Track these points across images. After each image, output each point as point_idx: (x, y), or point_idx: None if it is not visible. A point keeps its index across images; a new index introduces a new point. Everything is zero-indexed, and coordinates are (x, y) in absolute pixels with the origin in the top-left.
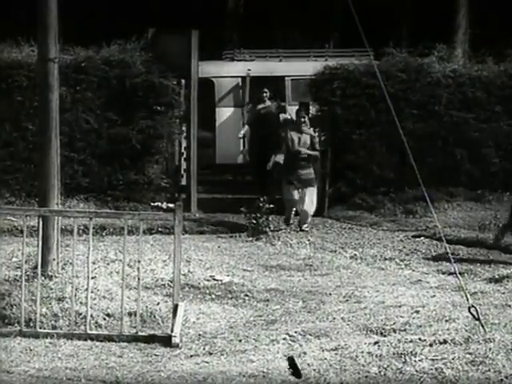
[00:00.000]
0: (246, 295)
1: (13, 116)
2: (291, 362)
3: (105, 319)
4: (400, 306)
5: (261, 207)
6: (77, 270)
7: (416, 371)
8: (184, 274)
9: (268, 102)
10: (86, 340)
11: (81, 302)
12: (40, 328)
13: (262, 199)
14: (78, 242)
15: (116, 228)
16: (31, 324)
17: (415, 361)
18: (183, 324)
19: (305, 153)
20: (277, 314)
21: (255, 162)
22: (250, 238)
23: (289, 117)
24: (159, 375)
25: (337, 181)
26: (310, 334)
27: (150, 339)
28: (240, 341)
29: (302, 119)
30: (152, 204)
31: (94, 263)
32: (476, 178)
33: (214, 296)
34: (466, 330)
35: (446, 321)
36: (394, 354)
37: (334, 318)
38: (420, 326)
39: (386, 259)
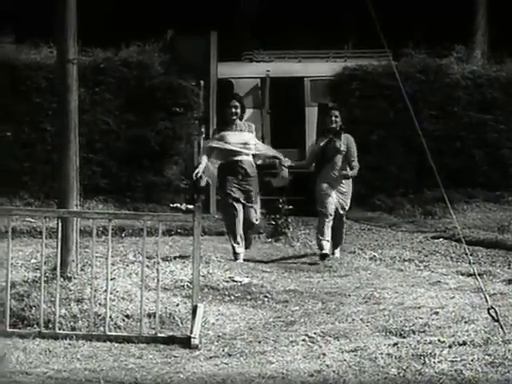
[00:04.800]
0: (265, 296)
1: (31, 117)
2: None
3: (124, 320)
4: (419, 308)
5: (280, 208)
6: (96, 272)
7: (435, 373)
8: (203, 276)
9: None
10: (104, 341)
11: (100, 304)
12: (59, 329)
13: (281, 200)
14: (96, 243)
15: (135, 229)
16: (50, 325)
17: (434, 362)
18: (202, 325)
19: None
20: (296, 316)
21: None
22: (269, 239)
23: None
24: (178, 376)
25: (355, 182)
26: (329, 336)
27: (169, 340)
28: (259, 342)
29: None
30: (171, 205)
31: (113, 264)
32: (495, 179)
33: (233, 297)
34: (486, 332)
35: (466, 322)
36: (413, 355)
37: (353, 320)
38: (439, 328)
39: (405, 260)
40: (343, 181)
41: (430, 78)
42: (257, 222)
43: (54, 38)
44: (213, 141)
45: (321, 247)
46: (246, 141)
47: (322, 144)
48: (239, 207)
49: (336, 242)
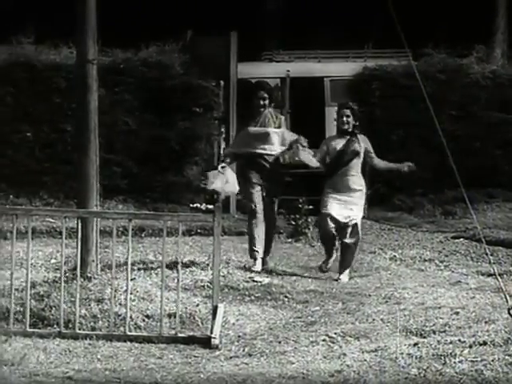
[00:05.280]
0: (286, 296)
1: (51, 118)
2: None
3: (144, 320)
4: (439, 308)
5: (300, 208)
6: (116, 272)
7: (456, 373)
8: (223, 276)
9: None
10: (125, 341)
11: (120, 304)
12: (79, 329)
13: (301, 200)
14: (116, 243)
15: (155, 229)
16: (70, 325)
17: (455, 362)
18: (222, 325)
19: None
20: (316, 316)
21: None
22: (290, 239)
23: None
24: (199, 376)
25: (375, 182)
26: (350, 336)
27: (190, 340)
28: (279, 342)
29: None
30: (191, 205)
31: (133, 265)
32: None
33: (253, 297)
34: (506, 332)
35: (486, 322)
36: (433, 355)
37: (374, 320)
38: (459, 328)
39: (425, 260)
40: (354, 192)
41: (450, 77)
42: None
43: (74, 39)
44: (233, 145)
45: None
46: (270, 136)
47: (338, 147)
48: (260, 213)
49: (344, 264)
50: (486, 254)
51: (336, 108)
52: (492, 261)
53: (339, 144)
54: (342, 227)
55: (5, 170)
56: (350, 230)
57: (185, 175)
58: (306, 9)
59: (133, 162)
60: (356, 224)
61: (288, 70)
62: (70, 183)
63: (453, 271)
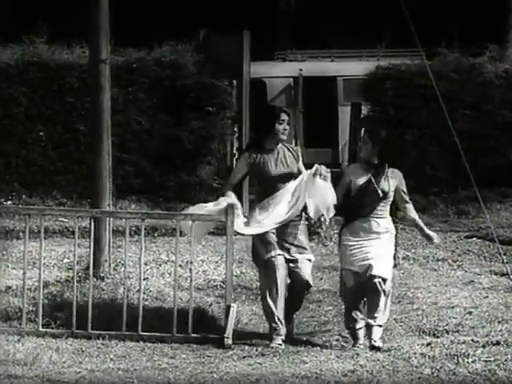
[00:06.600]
0: None
1: (64, 117)
2: None
3: (157, 320)
4: (453, 307)
5: None
6: (129, 271)
7: (469, 372)
8: (236, 275)
9: None
10: (137, 341)
11: (133, 303)
12: (92, 329)
13: None
14: (129, 242)
15: (168, 229)
16: (83, 325)
17: (468, 362)
18: (235, 325)
19: None
20: (329, 315)
21: None
22: None
23: None
24: (212, 376)
25: None
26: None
27: (203, 340)
28: (292, 342)
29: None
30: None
31: (146, 264)
32: None
33: None
34: None
35: (499, 322)
36: (446, 355)
37: (387, 319)
38: (473, 327)
39: (438, 260)
40: (379, 234)
41: (464, 77)
42: (311, 282)
43: (87, 38)
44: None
45: (354, 337)
46: (292, 174)
47: (360, 183)
48: (282, 272)
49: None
50: (500, 254)
51: (349, 107)
52: (505, 260)
53: (362, 179)
54: (366, 284)
55: (18, 170)
56: (374, 287)
57: (198, 175)
58: (319, 8)
59: (146, 161)
60: (384, 281)
61: (301, 70)
62: (83, 183)
63: (466, 271)
